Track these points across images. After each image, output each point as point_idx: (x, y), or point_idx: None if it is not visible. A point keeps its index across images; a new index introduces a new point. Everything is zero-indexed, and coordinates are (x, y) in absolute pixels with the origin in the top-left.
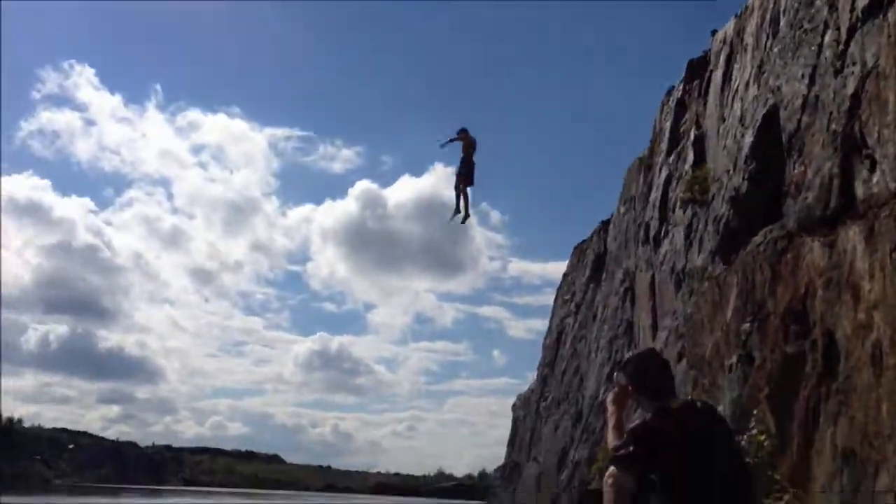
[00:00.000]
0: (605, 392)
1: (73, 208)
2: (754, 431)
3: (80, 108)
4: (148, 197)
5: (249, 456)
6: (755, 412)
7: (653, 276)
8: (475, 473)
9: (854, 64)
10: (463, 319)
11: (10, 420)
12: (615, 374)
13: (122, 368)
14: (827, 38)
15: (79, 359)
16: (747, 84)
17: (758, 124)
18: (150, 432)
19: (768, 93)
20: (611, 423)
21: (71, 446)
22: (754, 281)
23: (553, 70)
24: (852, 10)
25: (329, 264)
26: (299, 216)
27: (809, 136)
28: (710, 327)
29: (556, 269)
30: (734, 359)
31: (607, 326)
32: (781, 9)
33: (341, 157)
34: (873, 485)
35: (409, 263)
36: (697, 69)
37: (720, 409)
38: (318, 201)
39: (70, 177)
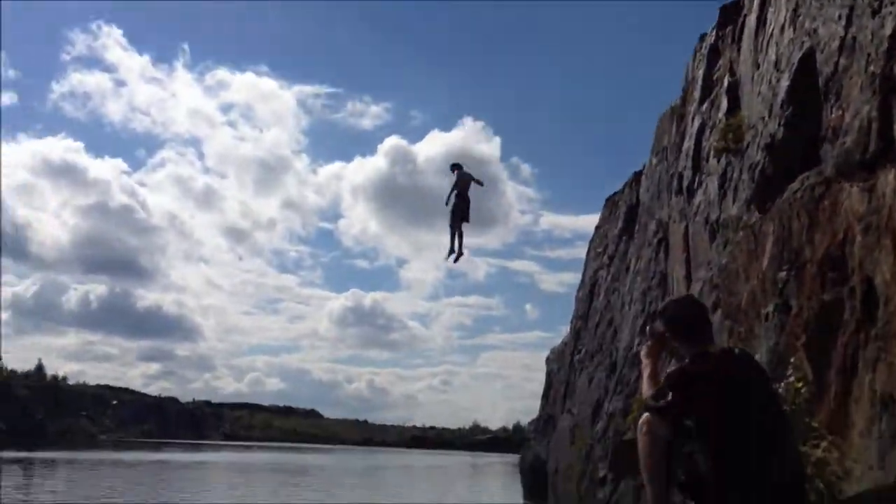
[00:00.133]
0: (638, 344)
1: (106, 170)
2: (791, 379)
3: (109, 69)
4: (180, 157)
5: (287, 411)
6: (792, 360)
7: (686, 227)
8: (509, 426)
9: (892, 3)
10: (495, 274)
11: (56, 378)
12: (649, 325)
13: (161, 327)
14: None
15: (118, 318)
16: (782, 28)
17: (794, 68)
18: (190, 389)
19: (804, 36)
20: (645, 373)
21: (114, 403)
22: (791, 228)
23: (583, 19)
24: None
25: (360, 221)
26: (329, 173)
27: (847, 79)
28: (745, 276)
29: (588, 222)
30: (770, 307)
31: (640, 278)
32: None
33: (370, 114)
34: None
35: (441, 219)
36: (730, 14)
37: (757, 357)
38: (348, 158)
39: (103, 138)
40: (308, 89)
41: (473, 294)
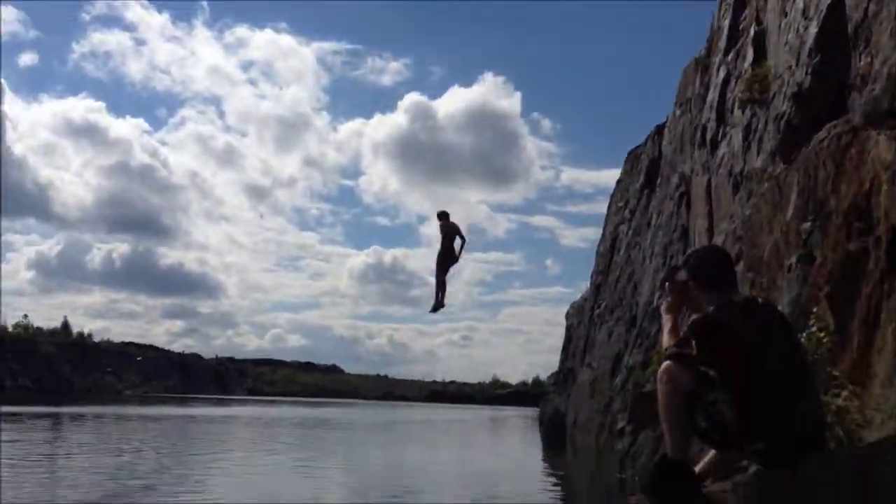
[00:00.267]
0: (659, 298)
1: (128, 129)
2: (814, 329)
3: (129, 28)
4: (200, 115)
5: (309, 367)
6: (815, 310)
7: (709, 181)
8: (529, 381)
9: None
10: (515, 230)
11: (81, 335)
12: (668, 280)
13: (184, 284)
14: None
15: (142, 276)
16: None
17: (822, 15)
18: (213, 345)
19: None
20: (666, 328)
21: (139, 359)
22: (816, 178)
23: None
24: None
25: (381, 178)
26: (350, 131)
27: (877, 25)
28: (769, 228)
29: (609, 176)
30: (794, 258)
31: (662, 232)
32: None
33: (390, 70)
34: None
35: (461, 175)
36: None
37: (779, 308)
38: (368, 115)
39: (124, 97)
40: (327, 46)
41: (494, 250)
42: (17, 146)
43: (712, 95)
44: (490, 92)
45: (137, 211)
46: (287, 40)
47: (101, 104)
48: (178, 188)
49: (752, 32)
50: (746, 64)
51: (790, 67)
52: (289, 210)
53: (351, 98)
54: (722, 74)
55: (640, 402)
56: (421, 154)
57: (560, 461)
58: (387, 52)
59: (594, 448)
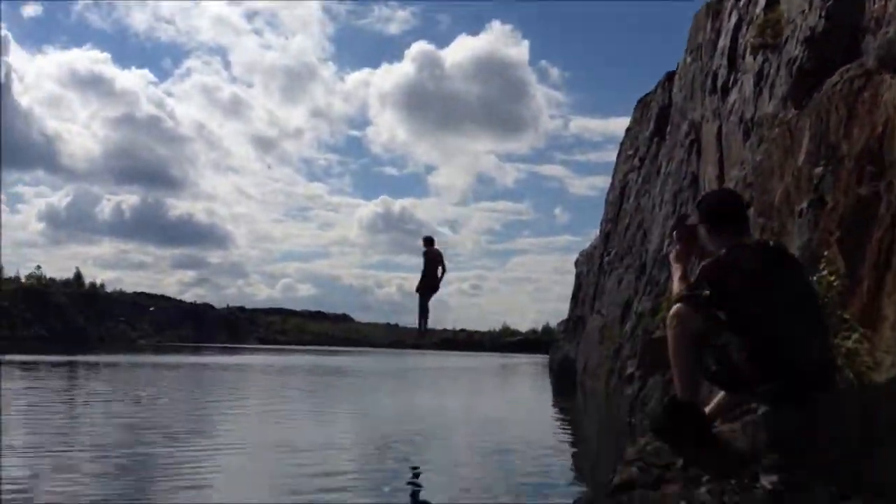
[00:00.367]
0: (668, 245)
1: (133, 80)
2: (824, 273)
3: None
4: (205, 66)
5: (319, 316)
6: (825, 254)
7: (720, 127)
8: (538, 329)
9: None
10: (524, 179)
11: (94, 285)
12: (677, 229)
13: (193, 235)
14: None
15: (151, 227)
16: None
17: None
18: (224, 295)
19: None
20: (676, 275)
21: (151, 309)
22: (829, 123)
23: None
24: None
25: (389, 128)
26: (357, 81)
27: None
28: (780, 174)
29: (619, 124)
30: (805, 204)
31: (671, 180)
32: None
33: (396, 19)
34: None
35: (469, 124)
36: None
37: None
38: (375, 65)
39: (128, 49)
40: None
41: (502, 199)
42: (24, 98)
43: (724, 41)
44: (498, 40)
45: (145, 162)
46: None
47: (106, 55)
48: (185, 139)
49: None
50: (759, 9)
51: (803, 11)
52: (296, 161)
53: (357, 47)
54: (734, 20)
55: (650, 348)
56: (429, 103)
57: (570, 406)
58: (393, 0)
59: (603, 393)
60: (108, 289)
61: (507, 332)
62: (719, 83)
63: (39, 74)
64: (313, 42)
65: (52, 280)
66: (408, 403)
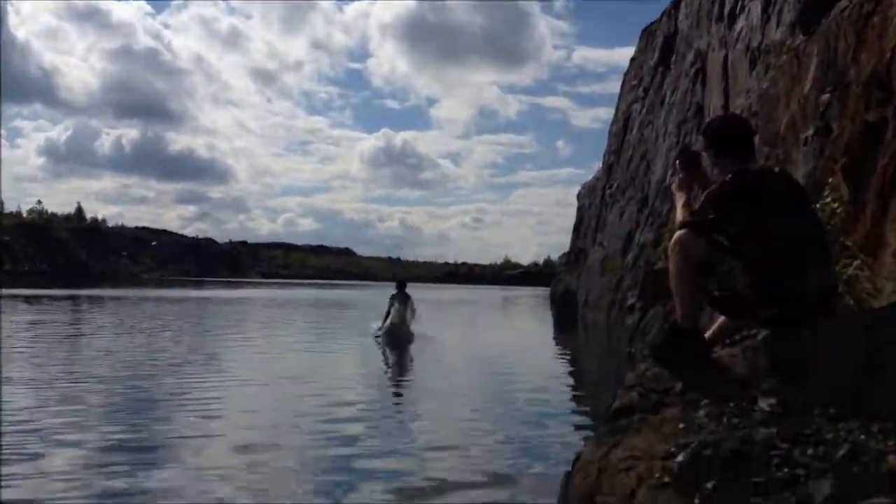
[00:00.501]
0: (671, 177)
1: (130, 12)
2: (828, 199)
3: None
4: None
5: (321, 250)
6: (830, 181)
7: (726, 56)
8: (540, 261)
9: None
10: (527, 111)
11: (95, 220)
12: (679, 158)
13: (194, 169)
14: None
15: (151, 161)
16: None
17: None
18: (226, 229)
19: None
20: (679, 203)
21: (153, 243)
22: (836, 49)
23: None
24: None
25: (389, 60)
26: (357, 11)
27: None
28: (786, 101)
29: (623, 55)
30: (810, 131)
31: (676, 110)
32: None
33: None
34: None
35: (471, 56)
36: None
37: None
38: None
39: None
40: None
41: (505, 132)
42: (20, 31)
43: None
44: None
45: (144, 96)
46: None
47: None
48: (184, 72)
49: None
50: None
51: None
52: (297, 94)
53: None
54: None
55: (651, 279)
56: (430, 35)
57: (571, 338)
58: None
59: (604, 324)
60: (110, 224)
61: (508, 265)
62: (726, 10)
63: (35, 7)
64: None
65: (53, 215)
66: None
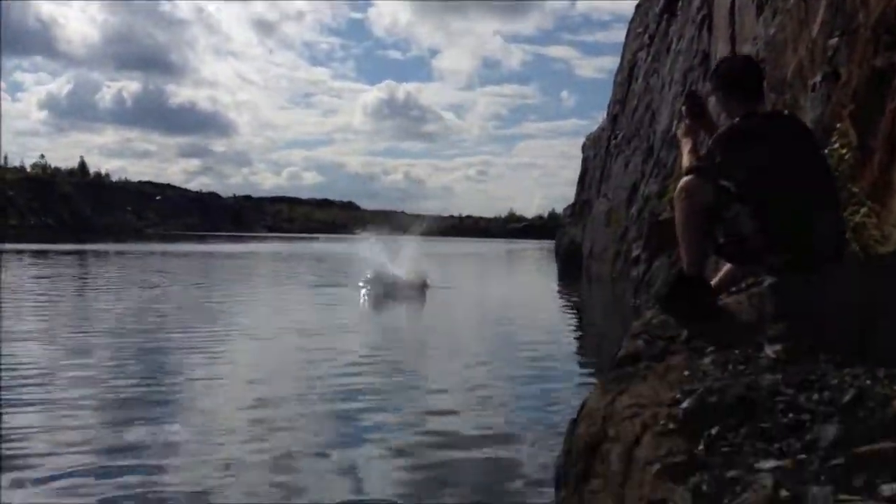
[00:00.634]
0: (677, 125)
1: None
2: (836, 145)
3: None
4: None
5: (326, 203)
6: (838, 126)
7: (732, 1)
8: (545, 214)
9: None
10: (531, 61)
11: (99, 174)
12: (685, 103)
13: (196, 123)
14: None
15: (154, 114)
16: None
17: None
18: (229, 184)
19: None
20: (686, 149)
21: (157, 198)
22: None
23: None
24: None
25: (391, 10)
26: None
27: None
28: (793, 47)
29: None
30: (818, 77)
31: (682, 58)
32: None
33: None
34: None
35: (474, 4)
36: None
37: None
38: None
39: None
40: None
41: (509, 83)
42: None
43: None
44: None
45: (144, 47)
46: None
47: None
48: (184, 23)
49: None
50: None
51: None
52: (299, 45)
53: None
54: None
55: (656, 230)
56: None
57: (576, 290)
58: None
59: (609, 276)
60: (114, 178)
61: (513, 217)
62: None
63: None
64: None
65: (56, 169)
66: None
